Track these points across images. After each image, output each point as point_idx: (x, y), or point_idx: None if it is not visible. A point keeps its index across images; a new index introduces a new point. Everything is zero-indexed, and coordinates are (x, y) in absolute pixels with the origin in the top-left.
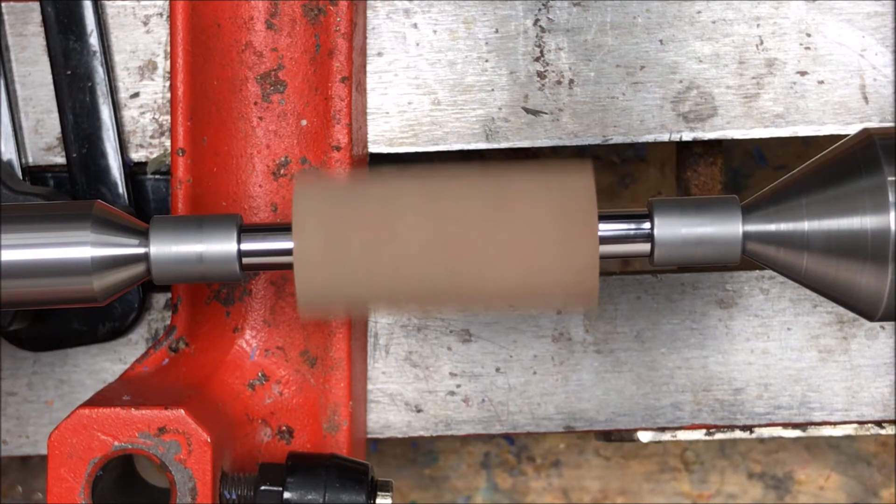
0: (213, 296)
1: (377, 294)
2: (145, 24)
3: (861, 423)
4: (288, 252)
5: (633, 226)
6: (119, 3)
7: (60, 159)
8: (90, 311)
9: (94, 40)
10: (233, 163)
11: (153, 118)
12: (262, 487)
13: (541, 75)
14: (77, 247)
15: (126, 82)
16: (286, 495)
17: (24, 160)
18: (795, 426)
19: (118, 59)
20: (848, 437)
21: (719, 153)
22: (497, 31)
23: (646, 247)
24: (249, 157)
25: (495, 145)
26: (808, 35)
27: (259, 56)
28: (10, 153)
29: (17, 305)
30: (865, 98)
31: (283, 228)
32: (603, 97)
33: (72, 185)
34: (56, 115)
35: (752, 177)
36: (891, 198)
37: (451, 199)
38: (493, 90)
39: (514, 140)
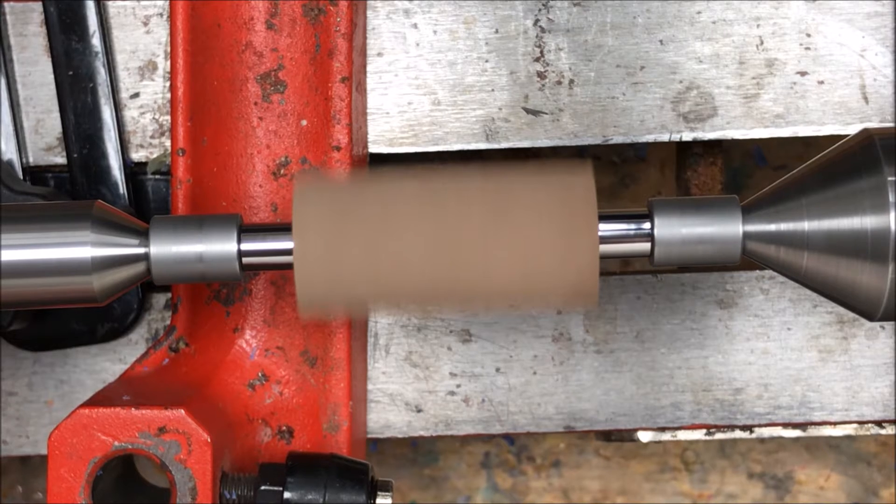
0: (213, 296)
1: (377, 294)
2: (145, 24)
3: (861, 423)
4: (288, 252)
5: (633, 226)
6: (119, 3)
7: (61, 159)
8: (89, 312)
9: (96, 41)
10: (233, 163)
11: (153, 118)
12: (263, 487)
13: (541, 75)
14: (77, 247)
15: (126, 82)
16: (286, 495)
17: (24, 160)
18: (795, 426)
19: (118, 59)
20: (848, 437)
21: (719, 153)
22: (497, 32)
23: (646, 247)
24: (249, 157)
25: (495, 145)
26: (808, 35)
27: (259, 56)
28: (10, 153)
29: (17, 305)
30: (865, 98)
31: (283, 228)
32: (603, 97)
33: (72, 185)
34: (56, 114)
35: (752, 177)
36: (891, 198)
37: (451, 199)
38: (493, 90)
39: (514, 140)
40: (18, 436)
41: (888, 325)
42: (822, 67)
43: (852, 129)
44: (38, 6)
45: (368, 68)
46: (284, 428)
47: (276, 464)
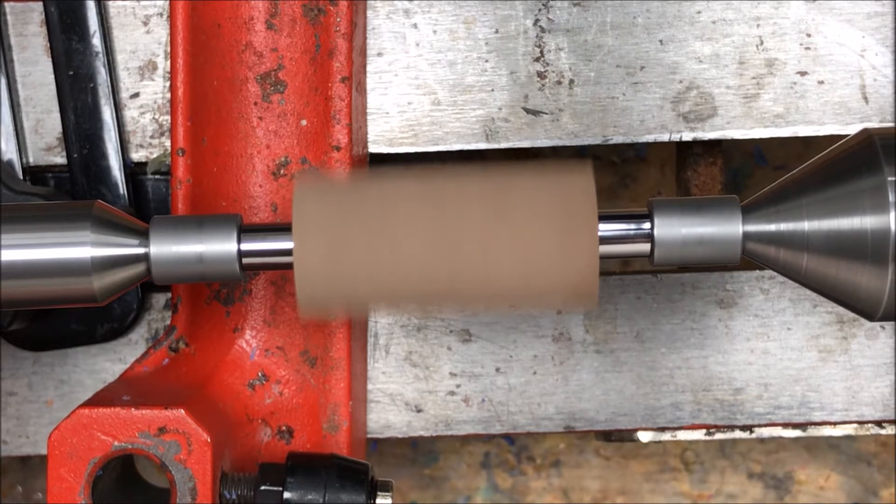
0: (213, 296)
1: (377, 294)
2: (145, 24)
3: (861, 423)
4: (288, 252)
5: (633, 226)
6: (119, 3)
7: (61, 159)
8: (89, 312)
9: (96, 41)
10: (233, 163)
11: (153, 118)
12: (262, 487)
13: (541, 75)
14: (77, 247)
15: (126, 82)
16: (286, 495)
17: (24, 160)
18: (795, 426)
19: (118, 59)
20: (848, 437)
21: (719, 153)
22: (497, 32)
23: (646, 247)
24: (249, 157)
25: (495, 145)
26: (808, 35)
27: (259, 56)
28: (10, 153)
29: (17, 305)
30: (865, 98)
31: (283, 228)
32: (603, 97)
33: (72, 185)
34: (56, 114)
35: (752, 177)
36: (891, 198)
37: (451, 199)
38: (493, 90)
39: (514, 140)
40: (18, 436)
41: (888, 325)
42: (822, 67)
43: (852, 129)
44: (39, 6)
45: (368, 68)
46: (284, 428)
47: (275, 464)
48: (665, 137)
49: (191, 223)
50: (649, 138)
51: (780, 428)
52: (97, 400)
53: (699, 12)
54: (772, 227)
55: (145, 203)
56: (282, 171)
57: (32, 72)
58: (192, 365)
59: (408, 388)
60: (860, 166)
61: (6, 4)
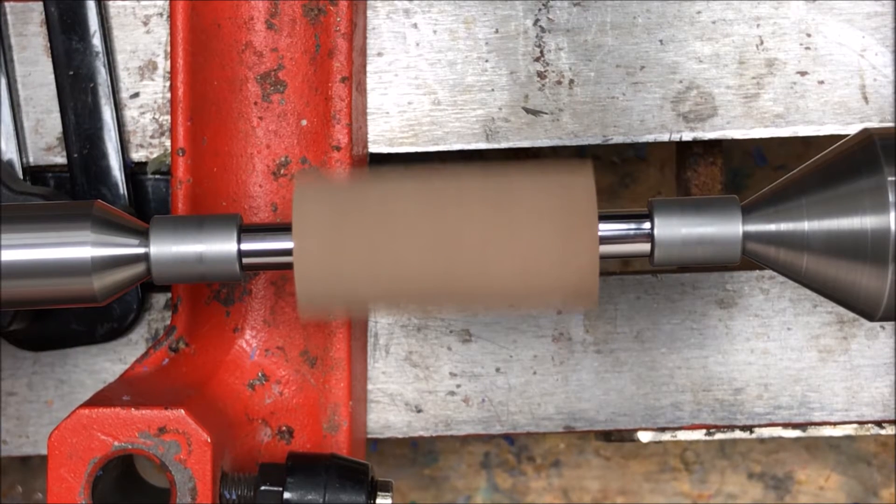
0: (213, 296)
1: (377, 294)
2: (145, 24)
3: (861, 423)
4: (288, 252)
5: (633, 226)
6: (119, 3)
7: (61, 159)
8: (89, 312)
9: (96, 41)
10: (233, 163)
11: (153, 118)
12: (262, 487)
13: (541, 75)
14: (77, 247)
15: (126, 82)
16: (286, 495)
17: (24, 160)
18: (795, 426)
19: (118, 59)
20: (848, 437)
21: (719, 153)
22: (497, 31)
23: (646, 247)
24: (249, 157)
25: (495, 145)
26: (808, 35)
27: (259, 56)
28: (10, 153)
29: (17, 305)
30: (865, 98)
31: (283, 228)
32: (603, 97)
33: (72, 185)
34: (56, 114)
35: (752, 177)
36: (891, 198)
37: (451, 199)
38: (493, 90)
39: (514, 140)
40: (18, 436)
41: (888, 325)
42: (822, 67)
43: (852, 129)
44: (39, 6)
45: (368, 68)
46: (284, 428)
47: (276, 464)
48: (665, 137)
49: (191, 223)
50: (649, 138)
51: (780, 428)
52: (97, 400)
53: (699, 12)
54: (772, 227)
55: (145, 203)
56: (282, 171)
57: (32, 72)
58: (192, 365)
59: (408, 388)
60: (860, 166)
61: (6, 4)
